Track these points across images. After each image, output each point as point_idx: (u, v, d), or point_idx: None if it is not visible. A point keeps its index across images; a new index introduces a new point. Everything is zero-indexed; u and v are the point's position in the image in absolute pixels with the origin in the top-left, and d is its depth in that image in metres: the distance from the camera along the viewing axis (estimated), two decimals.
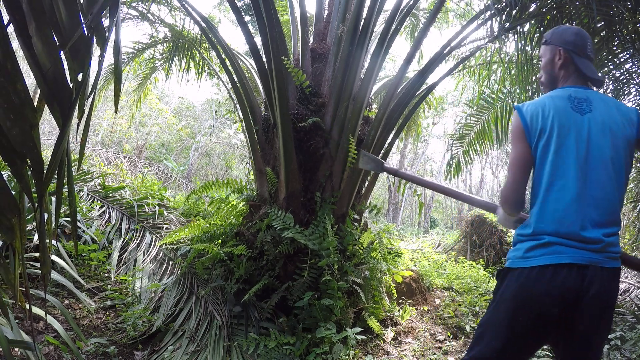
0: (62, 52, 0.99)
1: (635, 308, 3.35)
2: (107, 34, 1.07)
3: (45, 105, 1.05)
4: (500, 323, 1.27)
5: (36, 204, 1.01)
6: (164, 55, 5.58)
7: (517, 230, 1.35)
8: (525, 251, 1.27)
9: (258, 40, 3.60)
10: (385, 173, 2.49)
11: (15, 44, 1.00)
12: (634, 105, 4.63)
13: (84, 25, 1.00)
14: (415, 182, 2.21)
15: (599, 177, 1.24)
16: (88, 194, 4.68)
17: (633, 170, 5.41)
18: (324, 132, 3.22)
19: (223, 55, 3.64)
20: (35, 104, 0.96)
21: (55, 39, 0.98)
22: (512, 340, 1.26)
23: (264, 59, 3.09)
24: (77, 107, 1.02)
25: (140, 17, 4.91)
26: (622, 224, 5.30)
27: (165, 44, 5.38)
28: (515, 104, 4.88)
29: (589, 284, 1.19)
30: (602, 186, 1.24)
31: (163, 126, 16.19)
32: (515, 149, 1.35)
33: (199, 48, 5.20)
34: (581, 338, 1.25)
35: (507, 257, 1.36)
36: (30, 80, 11.51)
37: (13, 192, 0.97)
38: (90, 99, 1.10)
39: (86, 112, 1.08)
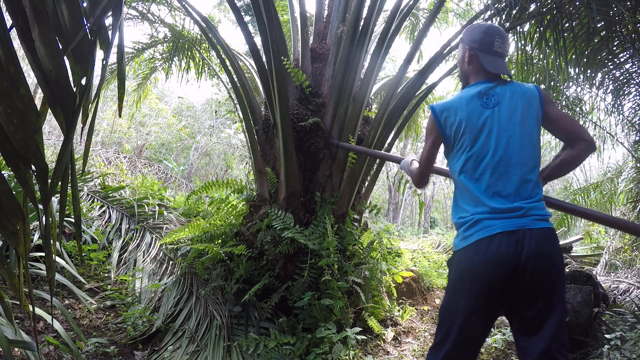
0: (65, 56, 0.98)
1: (635, 308, 3.35)
2: (110, 37, 1.06)
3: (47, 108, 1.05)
4: (458, 302, 1.34)
5: (40, 209, 1.00)
6: (164, 55, 5.59)
7: (454, 219, 1.47)
8: (462, 233, 1.39)
9: (258, 40, 3.60)
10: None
11: (15, 44, 0.99)
12: (633, 105, 4.63)
13: (87, 29, 1.00)
14: (358, 151, 2.89)
15: (512, 160, 1.37)
16: (88, 194, 4.68)
17: (632, 170, 5.41)
18: (324, 132, 3.22)
19: (223, 55, 3.64)
20: (38, 107, 0.96)
21: (59, 42, 0.98)
22: (472, 315, 1.31)
23: (264, 59, 3.09)
24: (81, 112, 1.02)
25: (140, 17, 4.91)
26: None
27: (165, 44, 5.39)
28: None
29: (522, 246, 1.27)
30: (515, 167, 1.36)
31: (163, 126, 16.18)
32: (426, 144, 1.54)
33: (199, 48, 5.20)
34: (531, 301, 1.29)
35: (453, 245, 1.47)
36: (30, 80, 11.51)
37: (14, 192, 0.97)
38: (94, 103, 1.09)
39: (90, 115, 1.08)
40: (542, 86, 4.49)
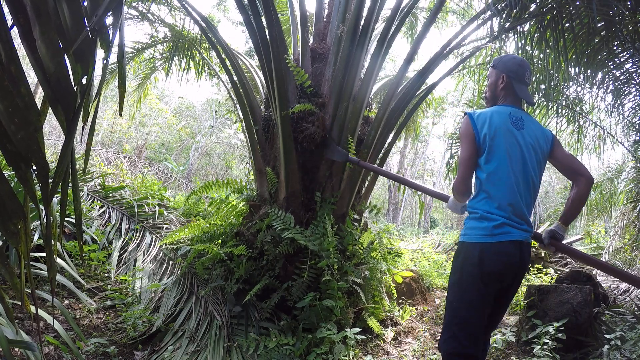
0: (66, 55, 0.98)
1: (635, 308, 3.35)
2: (111, 36, 1.06)
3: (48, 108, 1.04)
4: (476, 294, 1.58)
5: (41, 209, 1.00)
6: (164, 55, 5.58)
7: (476, 206, 1.66)
8: (481, 228, 1.60)
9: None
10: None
11: (16, 43, 0.99)
12: (634, 105, 4.63)
13: (88, 28, 1.00)
14: (376, 172, 2.77)
15: (527, 178, 1.65)
16: (88, 194, 4.67)
17: (632, 170, 5.42)
18: (316, 116, 3.15)
19: (223, 55, 3.64)
20: (38, 106, 0.96)
21: (59, 42, 0.98)
22: (485, 305, 1.59)
23: (265, 59, 3.08)
24: (82, 111, 1.01)
25: (140, 17, 4.90)
26: (622, 224, 5.30)
27: (165, 44, 5.38)
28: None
29: (522, 253, 1.61)
30: (528, 185, 1.65)
31: (163, 126, 16.18)
32: (465, 150, 1.69)
33: (199, 48, 5.20)
34: (510, 293, 1.70)
35: (462, 234, 1.68)
36: (30, 79, 11.50)
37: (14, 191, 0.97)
38: (95, 102, 1.09)
39: (91, 115, 1.08)
40: (543, 86, 4.49)
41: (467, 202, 1.76)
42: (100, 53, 1.11)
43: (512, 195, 1.60)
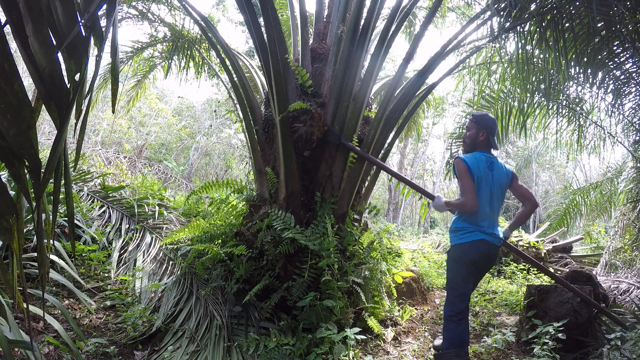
0: (59, 52, 0.98)
1: (635, 308, 3.35)
2: (104, 33, 1.06)
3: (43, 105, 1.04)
4: (463, 274, 2.43)
5: (34, 205, 1.00)
6: (163, 54, 5.58)
7: (459, 224, 2.46)
8: (462, 235, 2.44)
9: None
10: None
11: (13, 44, 0.99)
12: (634, 105, 4.64)
13: (81, 25, 0.99)
14: (371, 161, 3.19)
15: (494, 205, 2.47)
16: (88, 194, 4.67)
17: (633, 170, 5.44)
18: (310, 114, 3.13)
19: (223, 55, 3.64)
20: (32, 104, 0.95)
21: (53, 39, 0.97)
22: (469, 280, 2.46)
23: (265, 59, 3.07)
24: (74, 107, 1.01)
25: (139, 17, 4.91)
26: (622, 224, 5.29)
27: (164, 44, 5.39)
28: (516, 103, 4.92)
29: (489, 250, 2.44)
30: (494, 210, 2.47)
31: (163, 126, 16.18)
32: (466, 180, 2.37)
33: (198, 47, 5.20)
34: (482, 274, 2.60)
35: (451, 240, 2.51)
36: (28, 81, 11.50)
37: (13, 192, 0.97)
38: (87, 99, 1.09)
39: (83, 111, 1.07)
40: (542, 86, 4.49)
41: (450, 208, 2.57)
42: (96, 51, 1.11)
43: (483, 217, 2.40)
